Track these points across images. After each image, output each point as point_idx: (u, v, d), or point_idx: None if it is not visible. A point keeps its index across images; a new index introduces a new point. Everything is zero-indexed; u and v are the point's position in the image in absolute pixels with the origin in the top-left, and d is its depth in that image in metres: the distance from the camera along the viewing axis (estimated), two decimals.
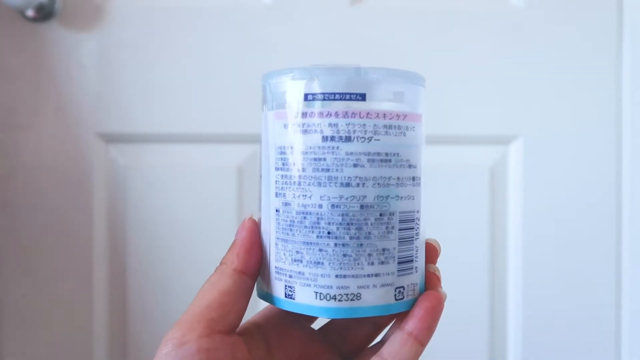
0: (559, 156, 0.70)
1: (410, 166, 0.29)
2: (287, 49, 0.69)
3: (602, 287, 0.70)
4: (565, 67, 0.69)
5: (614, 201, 0.70)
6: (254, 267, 0.31)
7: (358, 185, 0.28)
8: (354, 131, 0.28)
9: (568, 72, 0.70)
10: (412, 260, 0.30)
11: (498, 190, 0.71)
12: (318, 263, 0.28)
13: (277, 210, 0.30)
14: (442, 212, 0.69)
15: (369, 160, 0.28)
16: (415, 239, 0.30)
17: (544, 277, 0.70)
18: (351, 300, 0.28)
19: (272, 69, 0.31)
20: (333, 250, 0.28)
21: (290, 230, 0.29)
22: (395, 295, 0.29)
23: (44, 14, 0.67)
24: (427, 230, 0.32)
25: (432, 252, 0.32)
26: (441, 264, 0.33)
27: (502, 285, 0.71)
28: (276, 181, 0.30)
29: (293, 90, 0.29)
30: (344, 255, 0.28)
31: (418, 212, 0.30)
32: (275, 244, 0.30)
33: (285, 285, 0.29)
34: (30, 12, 0.66)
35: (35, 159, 0.69)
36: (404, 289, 0.29)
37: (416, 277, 0.30)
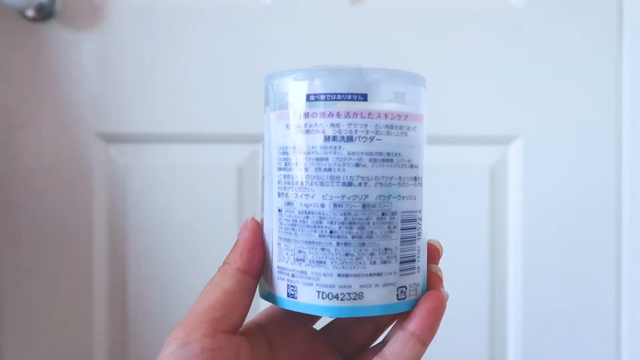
0: (559, 156, 0.70)
1: (412, 166, 0.29)
2: (287, 49, 0.69)
3: (602, 287, 0.71)
4: (565, 67, 0.70)
5: (614, 201, 0.70)
6: (256, 267, 0.31)
7: (360, 184, 0.28)
8: (356, 131, 0.28)
9: (568, 72, 0.70)
10: (414, 260, 0.30)
11: (498, 190, 0.71)
12: (320, 262, 0.28)
13: (279, 210, 0.30)
14: (442, 212, 0.69)
15: (370, 160, 0.28)
16: (418, 238, 0.30)
17: (544, 277, 0.70)
18: (353, 299, 0.28)
19: (273, 69, 0.31)
20: (335, 249, 0.28)
21: (293, 229, 0.29)
22: (397, 294, 0.29)
23: (44, 14, 0.67)
24: (428, 230, 0.32)
25: (434, 252, 0.33)
26: (441, 264, 0.33)
27: (502, 285, 0.71)
28: (279, 181, 0.30)
29: (295, 91, 0.29)
30: (346, 255, 0.28)
31: (420, 212, 0.30)
32: (278, 243, 0.30)
33: (288, 285, 0.30)
34: (30, 12, 0.66)
35: (34, 159, 0.68)
36: (406, 288, 0.29)
37: (418, 277, 0.30)
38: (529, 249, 0.70)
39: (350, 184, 0.28)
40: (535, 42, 0.70)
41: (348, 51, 0.69)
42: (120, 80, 0.68)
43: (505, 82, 0.70)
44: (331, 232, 0.28)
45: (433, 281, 0.31)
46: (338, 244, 0.28)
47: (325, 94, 0.28)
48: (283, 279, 0.30)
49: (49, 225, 0.69)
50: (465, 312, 0.70)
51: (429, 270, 0.32)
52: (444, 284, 0.32)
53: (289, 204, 0.29)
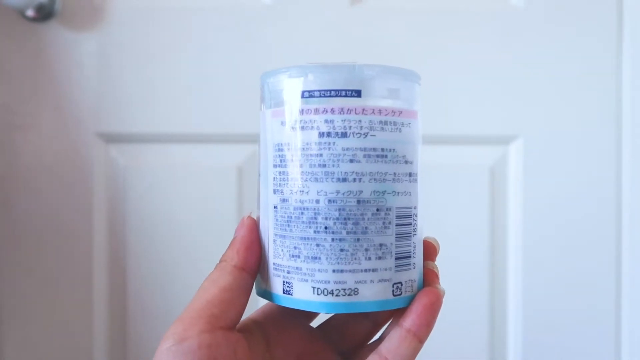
0: (559, 156, 0.70)
1: (406, 162, 0.29)
2: (287, 49, 0.69)
3: (602, 287, 0.70)
4: (566, 67, 0.69)
5: (614, 201, 0.70)
6: (253, 264, 0.31)
7: (354, 180, 0.28)
8: (350, 127, 0.28)
9: (568, 72, 0.70)
10: (409, 257, 0.30)
11: (498, 190, 0.71)
12: (315, 258, 0.28)
13: (275, 207, 0.30)
14: (442, 212, 0.69)
15: (365, 156, 0.28)
16: (413, 235, 0.30)
17: (544, 277, 0.70)
18: (349, 295, 0.28)
19: (272, 68, 0.31)
20: (330, 245, 0.28)
21: (288, 226, 0.29)
22: (393, 290, 0.29)
23: (44, 14, 0.67)
24: (428, 230, 0.32)
25: (430, 249, 0.33)
26: (441, 264, 0.33)
27: (502, 285, 0.71)
28: (274, 178, 0.30)
29: (290, 88, 0.29)
30: (341, 250, 0.28)
31: (415, 208, 0.30)
32: (274, 240, 0.30)
33: (283, 281, 0.30)
34: (30, 12, 0.66)
35: (34, 159, 0.69)
36: (401, 284, 0.29)
37: (414, 274, 0.30)
38: (529, 249, 0.70)
39: (344, 180, 0.28)
40: (535, 42, 0.70)
41: (348, 51, 0.69)
42: (120, 80, 0.69)
43: (505, 82, 0.69)
44: (326, 227, 0.28)
45: (429, 278, 0.31)
46: (333, 239, 0.28)
47: (319, 91, 0.28)
48: (279, 276, 0.30)
49: (49, 225, 0.69)
50: (465, 312, 0.70)
51: (425, 267, 0.32)
52: (444, 283, 0.32)
53: (284, 200, 0.29)
